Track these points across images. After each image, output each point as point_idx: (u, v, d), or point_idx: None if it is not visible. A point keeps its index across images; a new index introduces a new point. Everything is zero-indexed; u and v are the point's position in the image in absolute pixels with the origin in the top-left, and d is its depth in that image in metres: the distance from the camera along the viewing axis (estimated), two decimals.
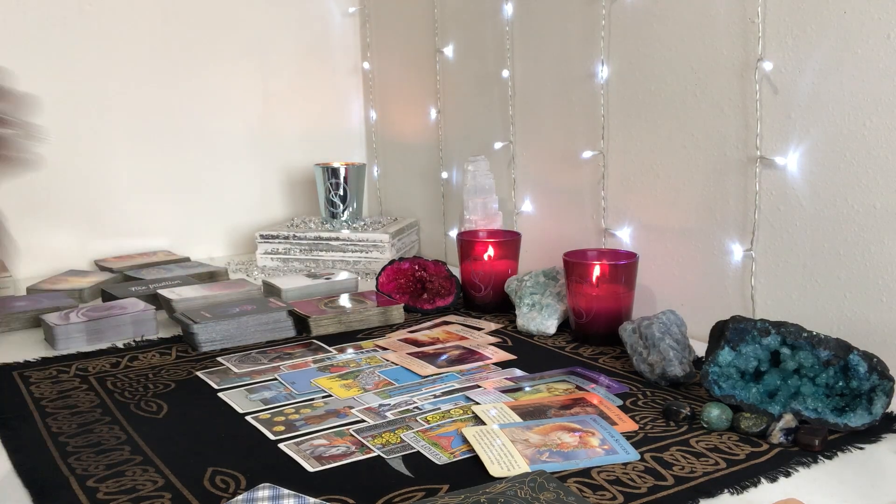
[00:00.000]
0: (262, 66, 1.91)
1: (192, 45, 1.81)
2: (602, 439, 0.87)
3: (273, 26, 1.91)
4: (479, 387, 1.04)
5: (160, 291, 1.41)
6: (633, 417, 0.94)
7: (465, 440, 0.88)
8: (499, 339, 1.24)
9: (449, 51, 1.70)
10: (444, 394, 1.02)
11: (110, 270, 1.64)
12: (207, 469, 0.83)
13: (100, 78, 1.72)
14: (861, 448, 0.85)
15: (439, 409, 0.97)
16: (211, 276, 1.61)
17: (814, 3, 1.04)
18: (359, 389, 1.04)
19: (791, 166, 1.10)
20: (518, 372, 1.10)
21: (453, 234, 1.71)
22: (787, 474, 0.80)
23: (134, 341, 1.25)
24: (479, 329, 1.29)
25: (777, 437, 0.86)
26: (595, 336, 1.20)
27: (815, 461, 0.82)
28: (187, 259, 1.74)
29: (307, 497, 0.72)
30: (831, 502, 0.75)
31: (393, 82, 1.93)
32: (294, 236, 1.73)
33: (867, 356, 0.89)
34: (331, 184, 1.80)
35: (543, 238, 1.52)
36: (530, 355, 1.17)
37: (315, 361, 1.15)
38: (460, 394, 1.02)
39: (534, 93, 1.51)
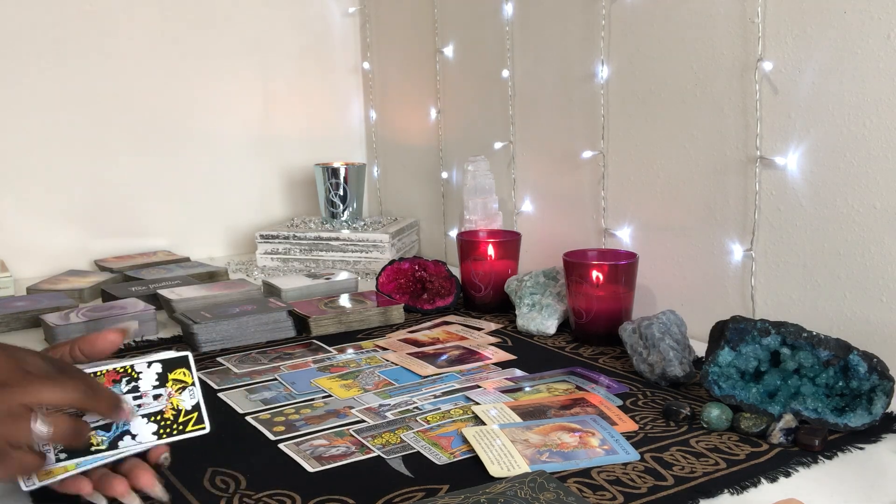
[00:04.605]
0: (262, 66, 1.91)
1: (191, 45, 1.81)
2: (602, 439, 0.87)
3: (273, 26, 1.91)
4: (479, 387, 1.04)
5: (160, 291, 1.41)
6: (633, 417, 0.93)
7: (465, 440, 0.88)
8: (499, 339, 1.24)
9: (449, 51, 1.70)
10: (444, 394, 1.02)
11: (110, 270, 1.64)
12: (207, 469, 0.83)
13: (99, 78, 1.71)
14: (861, 448, 0.85)
15: (439, 409, 0.97)
16: (211, 276, 1.61)
17: (814, 3, 1.04)
18: (359, 389, 1.04)
19: (791, 166, 1.10)
20: (518, 372, 1.10)
21: (453, 234, 1.71)
22: (787, 474, 0.80)
23: (134, 342, 1.25)
24: (479, 329, 1.29)
25: (777, 437, 0.86)
26: (595, 336, 1.20)
27: (815, 461, 0.82)
28: (187, 259, 1.73)
29: None
30: (831, 502, 0.75)
31: (393, 82, 1.93)
32: (294, 236, 1.73)
33: (867, 356, 0.89)
34: (331, 184, 1.80)
35: (543, 238, 1.52)
36: (530, 355, 1.17)
37: (315, 361, 1.15)
38: (460, 394, 1.02)
39: (534, 93, 1.51)
